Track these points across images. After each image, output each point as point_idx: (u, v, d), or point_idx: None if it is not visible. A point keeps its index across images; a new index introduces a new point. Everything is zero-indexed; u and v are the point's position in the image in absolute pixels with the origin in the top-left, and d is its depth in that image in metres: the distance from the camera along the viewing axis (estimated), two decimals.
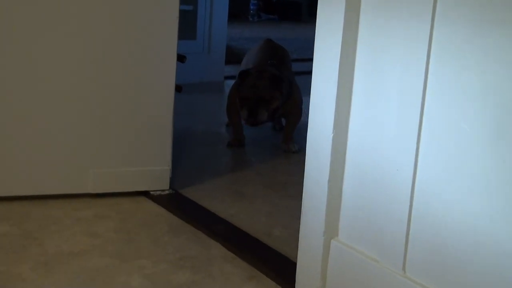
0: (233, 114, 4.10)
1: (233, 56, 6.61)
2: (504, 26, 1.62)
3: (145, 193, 3.13)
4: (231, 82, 5.82)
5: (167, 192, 3.15)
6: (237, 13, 9.64)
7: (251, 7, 11.12)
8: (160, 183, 3.13)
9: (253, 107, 3.79)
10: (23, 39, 2.78)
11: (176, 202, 3.06)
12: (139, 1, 2.88)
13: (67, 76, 2.85)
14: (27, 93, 2.83)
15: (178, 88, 3.12)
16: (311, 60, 2.14)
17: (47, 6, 2.76)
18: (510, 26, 1.61)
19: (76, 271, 2.37)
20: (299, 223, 2.26)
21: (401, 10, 1.87)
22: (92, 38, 2.85)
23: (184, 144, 3.90)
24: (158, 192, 3.13)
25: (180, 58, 3.13)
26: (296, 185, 2.99)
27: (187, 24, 5.47)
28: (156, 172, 3.11)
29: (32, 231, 2.66)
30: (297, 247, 2.28)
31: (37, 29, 2.79)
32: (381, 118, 1.97)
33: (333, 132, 2.08)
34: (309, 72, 2.19)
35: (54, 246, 2.54)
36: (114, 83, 2.93)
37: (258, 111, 3.79)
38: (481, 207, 1.71)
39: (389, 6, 1.91)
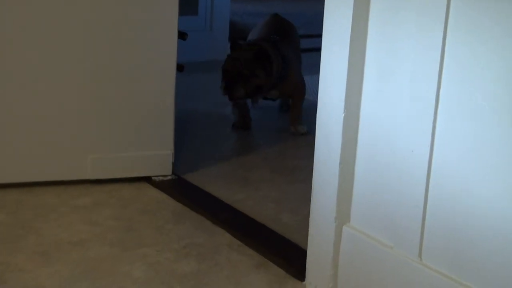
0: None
1: (237, 32, 6.60)
2: None
3: (147, 179, 3.14)
4: None
5: (169, 177, 3.16)
6: None
7: None
8: (162, 168, 3.14)
9: (230, 81, 3.73)
10: (24, 25, 2.79)
11: (179, 188, 3.07)
12: None
13: (63, 58, 2.86)
14: (22, 77, 2.84)
15: (180, 68, 3.13)
16: (319, 36, 2.13)
17: None
18: None
19: (75, 261, 2.37)
20: (308, 209, 2.26)
21: None
22: (90, 16, 2.85)
23: (187, 127, 3.90)
24: (160, 178, 3.14)
25: (181, 35, 3.13)
26: (305, 169, 2.99)
27: None
28: (158, 156, 3.12)
29: (28, 220, 2.67)
30: (307, 234, 2.28)
31: (38, 11, 2.79)
32: (395, 97, 1.97)
33: (344, 112, 2.08)
34: (317, 49, 2.19)
35: (51, 235, 2.55)
36: (111, 64, 2.93)
37: (235, 86, 3.72)
38: (501, 190, 1.71)
39: None
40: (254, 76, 3.73)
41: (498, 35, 1.68)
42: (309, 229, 2.26)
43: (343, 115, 2.08)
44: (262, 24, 4.43)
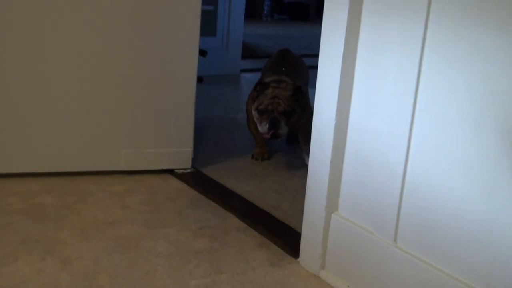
0: (256, 129, 3.42)
1: (248, 51, 6.62)
2: (487, 27, 1.63)
3: (170, 171, 3.14)
4: (247, 75, 5.84)
5: (189, 170, 3.17)
6: (252, 13, 9.63)
7: (265, 8, 11.09)
8: (183, 162, 3.15)
9: (274, 121, 3.17)
10: (67, 29, 2.78)
11: (197, 179, 3.07)
12: (167, 2, 2.88)
13: (106, 70, 2.87)
14: (73, 84, 2.84)
15: (200, 79, 3.13)
16: (317, 55, 2.15)
17: (93, 7, 2.78)
18: (492, 28, 1.62)
19: (109, 237, 2.39)
20: (304, 200, 2.28)
21: (399, 11, 1.88)
22: (129, 35, 2.87)
23: (204, 129, 3.90)
24: (181, 170, 3.15)
25: (202, 52, 3.15)
26: (303, 167, 3.01)
27: (208, 23, 5.48)
28: (179, 152, 3.13)
29: (72, 203, 2.68)
30: (302, 220, 2.30)
31: (81, 22, 2.80)
32: (379, 107, 1.98)
33: (335, 119, 2.09)
34: (316, 67, 2.20)
35: (90, 215, 2.57)
36: (144, 75, 2.94)
37: (279, 124, 3.16)
38: (464, 186, 1.73)
39: (388, 7, 1.92)
40: (294, 112, 3.25)
41: (464, 62, 1.70)
42: (304, 216, 2.28)
43: (334, 122, 2.09)
44: (274, 58, 3.91)
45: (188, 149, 3.14)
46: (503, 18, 1.59)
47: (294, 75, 3.48)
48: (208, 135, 3.82)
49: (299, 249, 2.32)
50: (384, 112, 1.96)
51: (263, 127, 3.20)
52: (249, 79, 5.74)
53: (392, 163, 1.94)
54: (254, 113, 3.27)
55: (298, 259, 2.32)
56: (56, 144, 2.90)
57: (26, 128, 2.83)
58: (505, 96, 1.60)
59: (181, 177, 3.09)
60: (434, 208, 1.82)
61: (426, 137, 1.83)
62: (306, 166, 2.36)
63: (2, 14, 2.67)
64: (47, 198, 2.70)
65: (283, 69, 3.47)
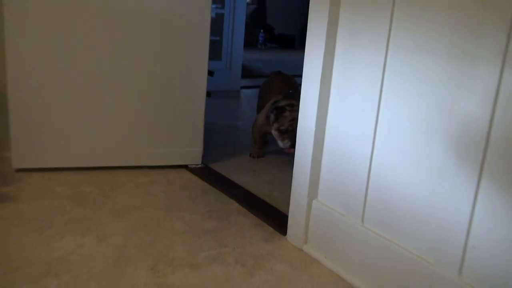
0: (259, 138, 3.51)
1: (246, 72, 6.62)
2: (433, 54, 1.66)
3: (184, 166, 3.14)
4: (246, 91, 5.84)
5: (200, 165, 3.17)
6: (250, 42, 9.62)
7: (260, 38, 11.08)
8: (195, 159, 3.15)
9: (295, 139, 2.88)
10: (108, 53, 2.80)
11: (206, 173, 3.07)
12: (184, 34, 2.89)
13: (136, 88, 2.87)
14: (110, 97, 2.85)
15: (208, 94, 3.13)
16: (301, 76, 2.16)
17: (127, 36, 2.80)
18: (438, 54, 1.64)
19: (136, 218, 2.40)
20: (290, 189, 2.28)
21: (364, 43, 1.90)
22: (155, 60, 2.87)
23: (211, 133, 3.89)
24: (193, 166, 3.15)
25: (210, 73, 3.14)
26: (290, 164, 3.01)
27: (215, 49, 5.49)
28: (192, 152, 3.13)
29: (108, 191, 2.69)
30: (289, 205, 2.30)
31: (119, 49, 2.81)
32: (349, 117, 2.00)
33: (315, 127, 2.11)
34: (299, 84, 2.21)
35: (122, 201, 2.58)
36: (164, 90, 2.95)
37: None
38: (416, 177, 1.74)
39: (357, 38, 1.93)
40: None
41: (415, 82, 1.72)
42: (290, 202, 2.29)
43: (314, 128, 2.11)
44: (273, 80, 3.81)
45: (199, 148, 3.14)
46: (446, 46, 1.61)
47: (296, 95, 3.30)
48: (214, 138, 3.81)
49: (286, 228, 2.32)
50: (353, 121, 1.97)
51: (285, 144, 3.17)
52: (247, 94, 5.74)
53: (360, 160, 1.96)
54: (275, 132, 3.19)
55: (286, 236, 2.32)
56: (96, 145, 2.90)
57: (73, 132, 2.83)
58: (447, 108, 1.62)
59: (193, 171, 3.09)
60: (393, 195, 1.84)
61: (386, 140, 1.85)
62: (292, 163, 2.38)
63: (54, 34, 2.68)
64: (88, 187, 2.70)
65: (290, 91, 3.40)
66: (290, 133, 3.10)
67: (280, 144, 3.18)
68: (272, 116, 3.22)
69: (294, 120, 3.02)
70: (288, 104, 3.19)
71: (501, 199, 1.50)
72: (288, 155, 3.44)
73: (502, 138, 1.49)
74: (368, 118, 1.90)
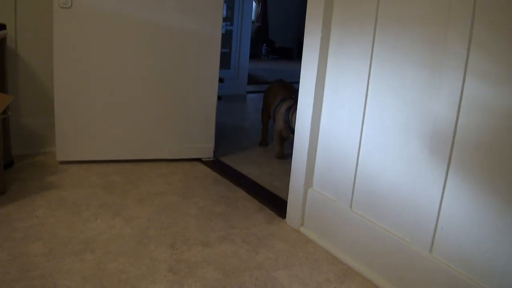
0: (279, 142, 3.36)
1: (251, 79, 6.61)
2: (409, 63, 1.67)
3: (199, 159, 3.14)
4: (251, 95, 5.84)
5: (211, 159, 3.16)
6: (254, 54, 9.62)
7: (263, 50, 11.07)
8: (207, 153, 3.15)
9: None
10: (138, 63, 2.82)
11: (217, 165, 3.07)
12: (199, 47, 2.91)
13: (157, 93, 2.89)
14: (136, 101, 2.87)
15: (219, 98, 3.13)
16: (298, 83, 2.17)
17: (153, 49, 2.82)
18: (413, 63, 1.66)
19: (157, 204, 2.42)
20: (289, 179, 2.29)
21: (352, 55, 1.92)
22: (174, 70, 2.89)
23: (222, 131, 3.89)
24: (206, 159, 3.15)
25: (221, 80, 3.15)
26: (289, 157, 3.00)
27: (225, 60, 5.49)
28: (205, 147, 3.13)
29: (133, 180, 2.70)
30: (288, 193, 2.32)
31: (146, 60, 2.83)
32: (340, 117, 2.02)
33: (310, 125, 2.13)
34: (297, 90, 2.22)
35: (145, 189, 2.59)
36: (182, 95, 2.96)
37: None
38: (397, 169, 1.76)
39: (346, 50, 1.95)
40: None
41: (395, 88, 1.74)
42: (289, 190, 2.30)
43: (310, 127, 2.13)
44: (274, 86, 3.55)
45: (211, 144, 3.15)
46: (419, 57, 1.63)
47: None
48: (224, 135, 3.81)
49: (286, 212, 2.34)
50: (343, 120, 1.99)
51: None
52: (252, 98, 5.74)
53: (349, 154, 1.97)
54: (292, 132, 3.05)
55: (285, 219, 2.33)
56: (124, 141, 2.92)
57: (105, 131, 2.85)
58: (422, 110, 1.64)
59: (206, 163, 3.09)
60: (377, 184, 1.86)
61: (371, 137, 1.87)
62: (290, 157, 2.40)
63: (91, 49, 2.71)
64: (117, 177, 2.72)
65: (293, 96, 3.21)
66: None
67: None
68: (289, 115, 3.13)
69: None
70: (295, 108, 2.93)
71: (465, 187, 1.52)
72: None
73: (466, 134, 1.51)
74: (356, 118, 1.92)
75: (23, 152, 2.96)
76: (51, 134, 2.90)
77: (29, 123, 2.97)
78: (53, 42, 2.64)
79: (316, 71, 2.05)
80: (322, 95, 2.09)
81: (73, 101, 2.76)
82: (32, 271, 1.74)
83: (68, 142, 2.81)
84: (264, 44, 11.14)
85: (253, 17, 10.77)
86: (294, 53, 11.39)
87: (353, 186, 1.96)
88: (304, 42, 2.10)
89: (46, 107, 2.94)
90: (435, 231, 1.62)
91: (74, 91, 2.74)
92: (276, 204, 2.51)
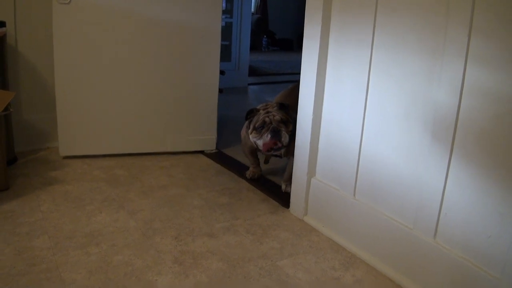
0: (249, 154, 2.72)
1: (252, 71, 6.61)
2: (411, 52, 1.67)
3: (201, 152, 3.15)
4: (252, 87, 5.84)
5: (214, 151, 3.17)
6: (255, 46, 9.61)
7: (263, 42, 11.06)
8: (210, 145, 3.16)
9: (276, 129, 2.35)
10: (139, 60, 2.82)
11: (219, 157, 3.08)
12: (199, 40, 2.90)
13: (161, 86, 2.89)
14: (139, 94, 2.87)
15: (220, 90, 3.14)
16: (299, 73, 2.17)
17: (154, 47, 2.82)
18: (415, 52, 1.66)
19: (160, 196, 2.42)
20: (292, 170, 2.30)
21: (353, 44, 1.91)
22: (177, 63, 2.89)
23: (224, 123, 3.88)
24: (209, 151, 3.16)
25: (222, 72, 3.15)
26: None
27: (226, 52, 5.49)
28: (208, 139, 3.14)
29: (136, 173, 2.71)
30: (291, 182, 2.33)
31: (147, 56, 2.83)
32: (341, 107, 2.01)
33: (312, 115, 2.13)
34: (298, 80, 2.22)
35: (148, 182, 2.60)
36: (184, 87, 2.96)
37: (281, 132, 2.35)
38: (398, 157, 1.76)
39: (346, 39, 1.95)
40: (289, 122, 2.39)
41: (396, 76, 1.74)
42: (292, 180, 2.31)
43: (312, 117, 2.12)
44: (286, 90, 2.86)
45: (213, 136, 3.15)
46: (419, 45, 1.63)
47: (283, 107, 2.47)
48: (226, 127, 3.80)
49: (289, 202, 2.34)
50: (345, 109, 1.99)
51: (265, 139, 2.39)
52: (254, 90, 5.74)
53: (351, 142, 1.97)
54: (251, 136, 2.45)
55: (289, 209, 2.34)
56: (126, 135, 2.93)
57: (108, 126, 2.86)
58: (423, 98, 1.64)
59: (209, 155, 3.10)
60: (379, 172, 1.86)
61: (373, 125, 1.87)
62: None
63: (92, 44, 2.71)
64: (120, 171, 2.73)
65: (284, 103, 2.46)
66: (268, 125, 2.39)
67: (261, 144, 2.42)
68: (246, 123, 2.57)
69: (270, 113, 2.40)
70: (263, 108, 2.48)
71: (468, 173, 1.52)
72: (280, 160, 2.94)
73: (468, 121, 1.51)
74: (358, 107, 1.91)
75: (26, 149, 2.97)
76: (54, 129, 2.92)
77: (31, 119, 2.97)
78: (53, 38, 2.64)
79: (317, 60, 2.05)
80: (324, 85, 2.09)
81: (75, 96, 2.76)
82: (37, 265, 1.75)
83: (70, 137, 2.82)
84: (265, 36, 11.12)
85: (252, 9, 10.75)
86: (294, 45, 11.38)
87: (356, 174, 1.96)
88: (304, 31, 2.09)
89: (48, 103, 2.95)
90: (438, 217, 1.62)
91: (75, 86, 2.75)
92: (280, 194, 2.51)
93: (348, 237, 2.01)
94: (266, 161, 2.99)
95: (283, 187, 2.56)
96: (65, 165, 2.75)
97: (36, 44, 2.88)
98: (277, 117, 2.39)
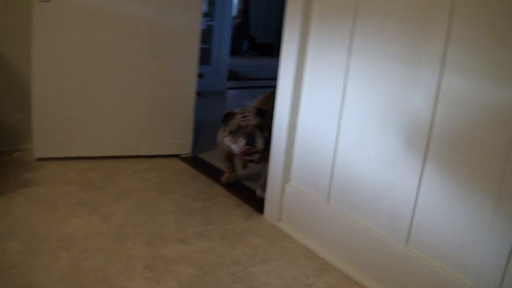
0: (224, 158, 2.72)
1: (232, 75, 6.59)
2: (388, 58, 1.68)
3: (177, 156, 3.13)
4: (231, 91, 5.82)
5: (190, 155, 3.15)
6: (235, 50, 9.59)
7: (244, 46, 11.07)
8: (186, 149, 3.14)
9: (251, 134, 2.36)
10: (114, 66, 2.80)
11: (195, 161, 3.06)
12: (178, 42, 2.89)
13: (135, 90, 2.86)
14: (114, 98, 2.84)
15: (199, 94, 3.13)
16: (276, 78, 2.17)
17: (132, 49, 2.81)
18: (392, 58, 1.67)
19: (135, 200, 2.41)
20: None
21: (331, 49, 1.92)
22: (153, 65, 2.86)
23: (201, 127, 3.86)
24: (184, 155, 3.14)
25: (200, 75, 3.15)
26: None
27: (205, 56, 5.47)
28: (183, 143, 3.12)
29: (110, 177, 2.68)
30: (266, 188, 2.33)
31: (124, 61, 2.81)
32: (318, 112, 2.02)
33: (288, 120, 2.13)
34: (274, 86, 2.22)
35: (122, 185, 2.58)
36: (160, 90, 2.94)
37: (256, 138, 2.35)
38: (373, 164, 1.78)
39: (325, 44, 1.96)
40: (265, 127, 2.40)
41: (374, 83, 1.75)
42: (267, 186, 2.31)
43: (288, 122, 2.13)
44: (263, 95, 2.89)
45: (189, 140, 3.14)
46: (396, 51, 1.64)
47: (259, 112, 2.47)
48: (203, 132, 3.78)
49: (263, 208, 2.34)
50: (321, 116, 2.00)
51: (239, 144, 2.39)
52: (232, 94, 5.72)
53: (326, 149, 1.98)
54: (226, 139, 2.46)
55: (263, 215, 2.34)
56: (102, 137, 2.89)
57: (83, 127, 2.82)
58: (400, 105, 1.66)
59: (184, 159, 3.08)
60: (354, 179, 1.87)
61: (348, 132, 1.88)
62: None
63: (69, 43, 2.68)
64: (94, 174, 2.70)
65: (261, 109, 2.49)
66: (243, 129, 2.39)
67: (236, 148, 2.42)
68: (222, 127, 2.56)
69: (246, 117, 2.41)
70: (241, 112, 2.46)
71: (442, 181, 1.54)
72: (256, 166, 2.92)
73: (443, 128, 1.52)
74: (334, 113, 1.92)
75: (1, 149, 2.92)
76: (28, 130, 2.88)
77: (6, 119, 2.93)
78: (32, 37, 2.61)
79: (294, 65, 2.06)
80: (300, 90, 2.09)
81: (50, 97, 2.72)
82: (8, 269, 1.72)
83: (45, 139, 2.77)
84: (245, 40, 11.13)
85: (235, 13, 10.75)
86: (274, 49, 11.42)
87: (330, 180, 1.97)
88: (283, 36, 2.10)
89: (23, 103, 2.90)
90: (411, 224, 1.64)
91: (51, 87, 2.71)
92: (254, 199, 2.51)
93: (321, 244, 2.02)
94: (244, 166, 3.01)
95: (258, 192, 2.57)
96: (39, 167, 2.72)
97: (12, 43, 2.84)
98: (253, 122, 2.40)
